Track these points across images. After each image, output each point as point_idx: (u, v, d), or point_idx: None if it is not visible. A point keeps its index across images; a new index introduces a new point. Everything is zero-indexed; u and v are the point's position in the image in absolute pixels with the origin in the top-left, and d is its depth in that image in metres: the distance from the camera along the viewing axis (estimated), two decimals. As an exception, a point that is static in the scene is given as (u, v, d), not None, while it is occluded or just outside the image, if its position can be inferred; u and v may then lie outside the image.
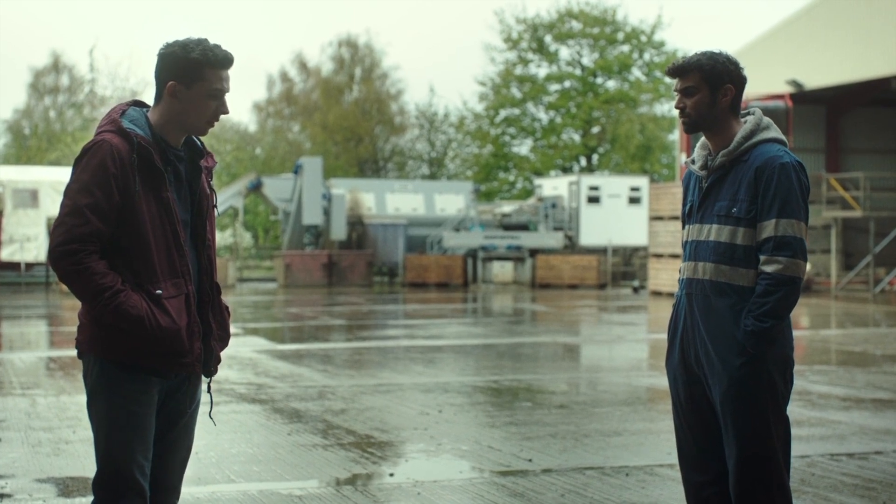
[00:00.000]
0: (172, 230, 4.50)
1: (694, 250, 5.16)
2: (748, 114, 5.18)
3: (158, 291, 4.45)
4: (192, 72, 4.47)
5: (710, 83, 5.03)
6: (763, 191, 4.93)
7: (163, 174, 4.47)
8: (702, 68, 5.03)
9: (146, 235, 4.44)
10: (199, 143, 4.71)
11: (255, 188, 42.54)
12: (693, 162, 5.23)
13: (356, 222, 41.34)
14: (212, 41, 4.54)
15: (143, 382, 4.50)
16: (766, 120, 5.10)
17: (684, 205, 5.33)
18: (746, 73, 5.13)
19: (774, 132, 5.08)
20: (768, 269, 4.90)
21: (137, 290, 4.43)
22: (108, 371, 4.50)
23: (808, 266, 34.66)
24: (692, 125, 5.11)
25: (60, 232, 4.36)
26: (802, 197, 4.95)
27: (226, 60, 4.52)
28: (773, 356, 4.97)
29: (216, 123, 4.66)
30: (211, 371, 4.75)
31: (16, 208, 34.12)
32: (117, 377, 4.49)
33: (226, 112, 4.59)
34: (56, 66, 62.97)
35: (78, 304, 4.57)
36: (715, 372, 5.02)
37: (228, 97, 4.65)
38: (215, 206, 4.78)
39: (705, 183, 5.13)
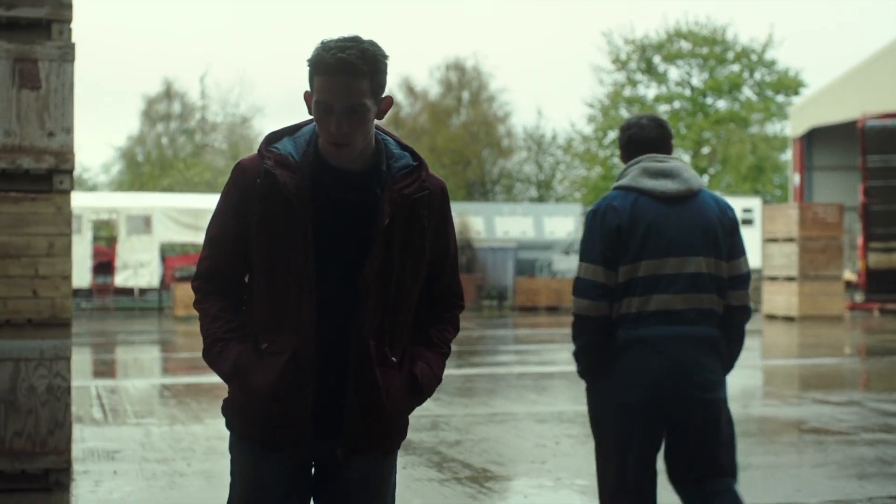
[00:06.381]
0: (299, 271, 3.63)
1: None
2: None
3: (265, 345, 3.69)
4: (310, 79, 3.64)
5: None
6: None
7: (291, 203, 3.61)
8: None
9: (260, 275, 3.70)
10: (388, 166, 3.73)
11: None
12: None
13: (465, 246, 41.22)
14: (365, 37, 3.65)
15: (253, 454, 3.78)
16: (630, 170, 5.48)
17: None
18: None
19: (622, 180, 5.46)
20: None
21: (246, 340, 3.73)
22: (230, 438, 3.91)
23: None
24: None
25: (197, 264, 3.85)
26: (594, 238, 5.38)
27: (328, 66, 3.55)
28: (597, 392, 5.77)
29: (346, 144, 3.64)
30: (334, 449, 3.77)
31: (129, 234, 34.59)
32: (234, 446, 3.87)
33: (338, 132, 3.59)
34: (168, 94, 64.00)
35: (192, 328, 4.36)
36: None
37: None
38: (421, 242, 3.78)
39: None
